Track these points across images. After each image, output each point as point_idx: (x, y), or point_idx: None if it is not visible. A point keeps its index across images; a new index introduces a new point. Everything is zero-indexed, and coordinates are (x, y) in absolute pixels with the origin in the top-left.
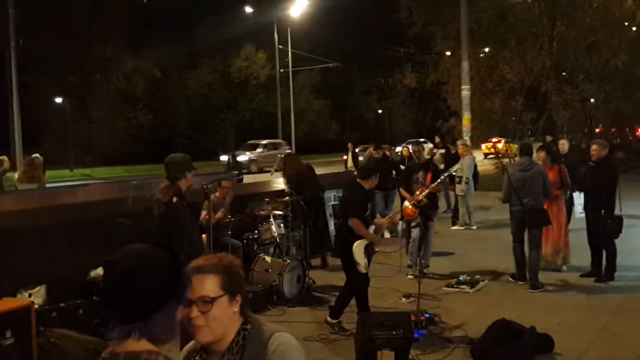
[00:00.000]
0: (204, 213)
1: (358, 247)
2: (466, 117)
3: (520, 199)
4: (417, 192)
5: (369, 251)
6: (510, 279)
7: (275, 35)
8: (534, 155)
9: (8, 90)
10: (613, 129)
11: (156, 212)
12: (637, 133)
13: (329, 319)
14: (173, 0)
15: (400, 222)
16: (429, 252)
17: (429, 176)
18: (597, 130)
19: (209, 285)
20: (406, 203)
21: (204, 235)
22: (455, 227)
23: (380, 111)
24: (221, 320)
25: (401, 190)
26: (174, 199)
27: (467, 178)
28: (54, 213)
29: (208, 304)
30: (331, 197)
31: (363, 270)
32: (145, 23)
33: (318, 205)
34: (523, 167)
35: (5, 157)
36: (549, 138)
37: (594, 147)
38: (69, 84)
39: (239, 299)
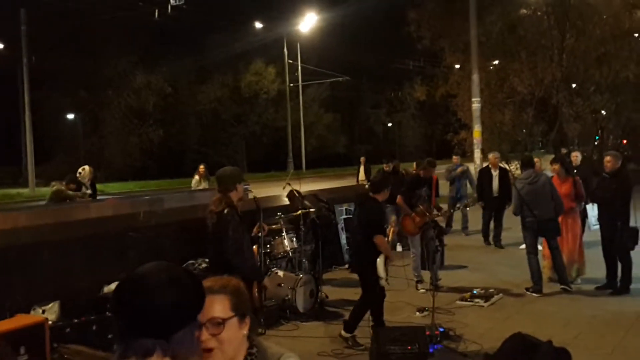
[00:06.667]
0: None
1: (380, 261)
2: (477, 129)
3: (531, 210)
4: (420, 210)
5: (386, 265)
6: (527, 292)
7: (285, 50)
8: (543, 165)
9: (20, 106)
10: (624, 141)
11: (209, 223)
12: None
13: (343, 332)
14: (183, 17)
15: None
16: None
17: (433, 194)
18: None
19: (219, 306)
20: (408, 220)
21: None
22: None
23: (389, 124)
24: (232, 342)
25: (399, 199)
26: (226, 210)
27: None
28: (68, 229)
29: (219, 325)
30: (343, 211)
31: (385, 284)
32: (156, 39)
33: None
34: (530, 179)
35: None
36: (564, 150)
37: (607, 158)
38: (80, 100)
39: (248, 321)
